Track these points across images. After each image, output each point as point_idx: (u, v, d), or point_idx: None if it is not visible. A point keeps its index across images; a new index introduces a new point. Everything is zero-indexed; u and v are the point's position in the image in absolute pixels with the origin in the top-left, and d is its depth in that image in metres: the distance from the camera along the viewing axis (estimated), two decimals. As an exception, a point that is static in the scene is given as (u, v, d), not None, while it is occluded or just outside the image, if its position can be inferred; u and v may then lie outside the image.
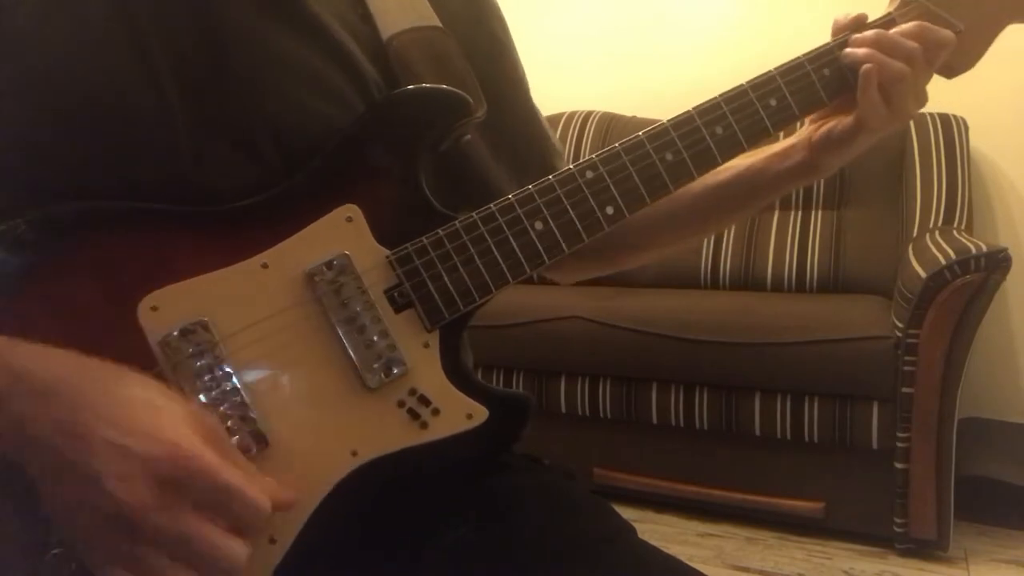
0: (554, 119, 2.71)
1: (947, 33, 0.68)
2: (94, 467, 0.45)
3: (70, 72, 0.56)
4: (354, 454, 0.56)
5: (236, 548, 0.47)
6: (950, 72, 0.73)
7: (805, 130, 0.73)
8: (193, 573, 0.46)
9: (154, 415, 0.47)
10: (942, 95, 2.26)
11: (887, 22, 0.70)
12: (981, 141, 2.31)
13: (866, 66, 0.66)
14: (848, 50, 0.69)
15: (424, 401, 0.58)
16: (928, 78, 0.69)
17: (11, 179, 0.56)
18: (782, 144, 0.73)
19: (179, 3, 0.59)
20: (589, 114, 2.69)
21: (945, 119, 2.26)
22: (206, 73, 0.58)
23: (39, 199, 0.54)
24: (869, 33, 0.68)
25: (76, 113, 0.56)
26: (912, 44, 0.66)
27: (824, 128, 0.71)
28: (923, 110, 2.47)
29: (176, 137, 0.57)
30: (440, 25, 0.69)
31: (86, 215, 0.55)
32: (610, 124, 2.63)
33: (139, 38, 0.57)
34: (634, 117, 2.62)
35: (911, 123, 2.29)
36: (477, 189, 0.70)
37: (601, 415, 2.08)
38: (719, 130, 0.66)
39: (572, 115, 2.70)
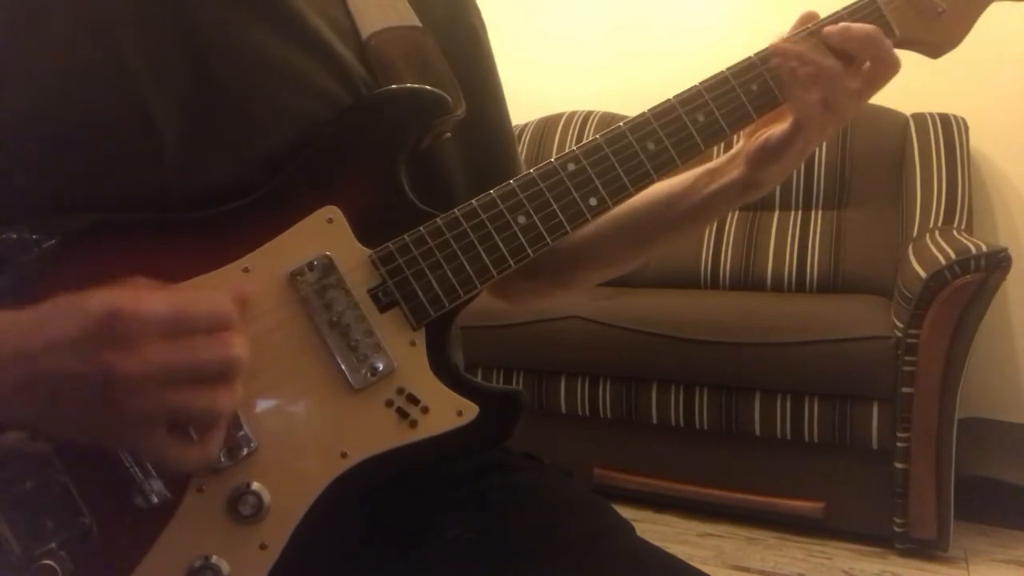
0: (554, 119, 2.71)
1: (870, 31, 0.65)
2: (57, 372, 0.45)
3: (51, 95, 0.55)
4: (344, 456, 0.56)
5: (222, 345, 0.48)
6: (935, 52, 0.72)
7: (740, 145, 0.71)
8: (205, 387, 0.47)
9: (71, 303, 0.47)
10: (942, 95, 2.29)
11: (868, 1, 0.70)
12: (981, 141, 2.30)
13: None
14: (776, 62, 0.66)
15: (413, 400, 0.58)
16: (874, 81, 0.67)
17: None
18: (717, 161, 0.72)
19: (158, 12, 0.58)
20: (589, 114, 2.69)
21: (945, 119, 2.26)
22: (191, 83, 0.58)
23: (24, 214, 0.54)
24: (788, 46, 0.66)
25: (60, 134, 0.55)
26: (829, 62, 0.65)
27: (760, 139, 0.68)
28: (923, 110, 2.46)
29: (162, 150, 0.57)
30: (419, 24, 0.68)
31: (67, 226, 0.54)
32: (610, 124, 2.61)
33: (117, 52, 0.56)
34: (634, 117, 2.62)
35: (911, 123, 2.29)
36: (452, 187, 0.69)
37: (601, 415, 2.08)
38: (700, 118, 0.66)
39: (572, 115, 2.70)
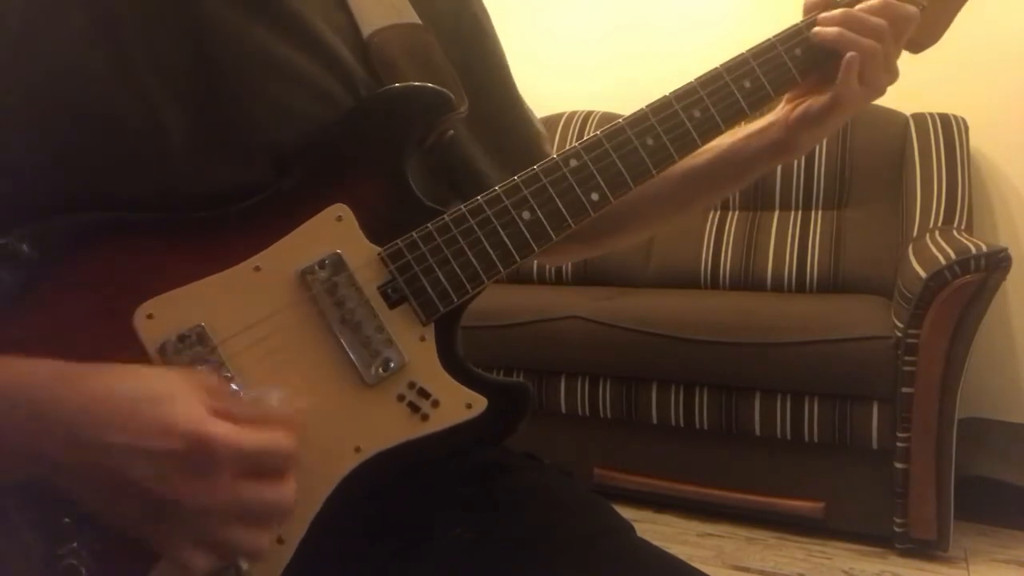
0: (554, 119, 2.72)
1: (911, 8, 0.69)
2: (124, 475, 0.46)
3: (58, 96, 0.55)
4: (357, 450, 0.57)
5: (284, 491, 0.50)
6: (917, 47, 0.74)
7: (782, 109, 0.75)
8: (254, 529, 0.49)
9: (157, 408, 0.47)
10: (942, 95, 2.29)
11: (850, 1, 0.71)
12: (981, 141, 2.30)
13: (849, 54, 0.68)
14: (818, 29, 0.70)
15: (423, 394, 0.59)
16: (898, 53, 0.71)
17: (3, 196, 0.55)
18: (759, 123, 0.75)
19: (163, 13, 0.58)
20: (589, 114, 2.69)
21: (945, 119, 2.26)
22: (195, 83, 0.58)
23: (31, 215, 0.54)
24: (836, 12, 0.70)
25: (67, 135, 0.55)
26: (878, 20, 0.68)
27: (801, 107, 0.72)
28: (923, 110, 2.46)
29: (169, 150, 0.57)
30: (419, 22, 0.69)
31: (76, 228, 0.55)
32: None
33: (124, 54, 0.57)
34: (634, 117, 2.62)
35: (911, 123, 2.29)
36: (466, 181, 0.71)
37: (601, 415, 2.08)
38: (697, 113, 0.68)
39: (572, 115, 2.70)
